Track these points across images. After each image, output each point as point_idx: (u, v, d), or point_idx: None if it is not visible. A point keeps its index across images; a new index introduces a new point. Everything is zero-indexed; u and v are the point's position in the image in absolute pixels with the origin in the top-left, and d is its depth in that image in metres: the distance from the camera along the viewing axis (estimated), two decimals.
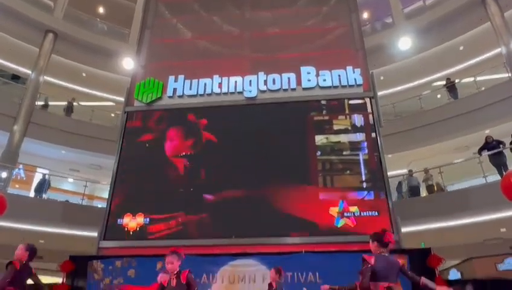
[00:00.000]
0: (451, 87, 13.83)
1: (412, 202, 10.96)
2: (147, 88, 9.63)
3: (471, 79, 13.53)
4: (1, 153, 12.00)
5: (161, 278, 3.97)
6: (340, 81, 9.06)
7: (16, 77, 15.70)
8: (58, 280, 7.17)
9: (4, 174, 11.62)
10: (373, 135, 8.35)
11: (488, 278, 8.34)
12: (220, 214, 7.95)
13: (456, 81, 13.94)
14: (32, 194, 12.51)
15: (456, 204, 9.95)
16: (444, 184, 11.21)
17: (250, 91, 9.25)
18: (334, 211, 7.64)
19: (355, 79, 9.03)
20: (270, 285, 5.62)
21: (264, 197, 8.01)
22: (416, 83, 16.14)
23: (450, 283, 6.58)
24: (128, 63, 13.57)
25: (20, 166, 12.54)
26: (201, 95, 9.40)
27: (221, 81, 9.48)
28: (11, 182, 11.89)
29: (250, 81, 9.38)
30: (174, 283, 3.93)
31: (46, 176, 12.40)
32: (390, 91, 15.85)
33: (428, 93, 15.04)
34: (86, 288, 7.00)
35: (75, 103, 15.24)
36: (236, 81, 9.43)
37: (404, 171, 12.54)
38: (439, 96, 14.59)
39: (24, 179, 13.42)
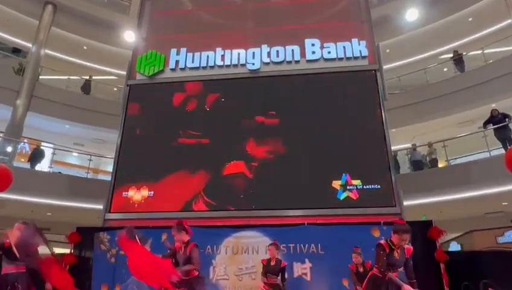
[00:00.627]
0: (458, 60, 13.54)
1: (415, 175, 10.98)
2: (149, 61, 9.53)
3: (479, 52, 13.23)
4: (5, 128, 12.05)
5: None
6: (345, 53, 8.91)
7: (16, 50, 15.52)
8: (66, 250, 7.36)
9: (9, 149, 11.71)
10: (377, 108, 8.28)
11: (486, 250, 8.47)
12: (223, 187, 8.04)
13: (464, 53, 13.64)
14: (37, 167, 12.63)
15: (459, 178, 9.96)
16: (447, 158, 11.20)
17: (253, 64, 9.14)
18: (336, 184, 7.70)
19: (360, 51, 8.88)
20: (268, 261, 5.71)
21: (267, 170, 8.07)
22: (422, 55, 15.79)
23: (449, 254, 6.67)
24: (129, 36, 13.35)
25: (25, 140, 12.58)
26: (203, 67, 9.31)
27: (224, 53, 9.36)
28: (16, 156, 11.99)
29: (254, 53, 9.25)
30: (182, 251, 4.24)
31: (41, 148, 12.30)
32: (396, 64, 15.56)
33: (434, 66, 14.76)
34: (93, 258, 7.20)
35: (76, 77, 15.15)
36: (239, 54, 9.30)
37: (408, 145, 12.50)
38: (445, 69, 14.33)
39: (29, 153, 13.51)
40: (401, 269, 3.93)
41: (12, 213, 10.44)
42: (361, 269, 5.60)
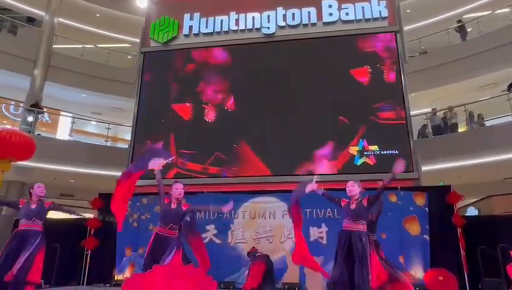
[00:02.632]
0: (461, 28, 12.89)
1: (434, 140, 10.79)
2: (162, 27, 9.40)
3: (508, 9, 12.50)
4: (25, 98, 12.25)
5: (153, 163, 4.44)
6: (363, 14, 8.58)
7: (31, 20, 15.47)
8: (90, 215, 7.65)
9: (30, 118, 11.94)
10: (397, 71, 8.06)
11: (504, 215, 8.40)
12: (239, 153, 8.11)
13: (490, 12, 12.91)
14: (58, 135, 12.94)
15: (479, 143, 9.75)
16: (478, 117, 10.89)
17: (268, 28, 8.92)
18: (353, 149, 7.66)
19: (379, 12, 8.54)
20: None
21: (285, 135, 8.07)
22: (445, 15, 15.04)
23: (467, 218, 6.66)
24: (141, 1, 13.12)
25: (45, 110, 12.79)
26: (217, 32, 9.15)
27: (238, 17, 9.14)
28: (37, 125, 12.24)
29: (269, 16, 9.01)
30: (174, 205, 4.46)
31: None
32: (416, 25, 14.90)
33: (457, 26, 14.04)
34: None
35: (91, 46, 15.11)
36: (253, 17, 9.06)
37: (428, 110, 12.19)
38: (470, 29, 13.66)
39: (49, 122, 13.82)
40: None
41: (37, 180, 10.81)
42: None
